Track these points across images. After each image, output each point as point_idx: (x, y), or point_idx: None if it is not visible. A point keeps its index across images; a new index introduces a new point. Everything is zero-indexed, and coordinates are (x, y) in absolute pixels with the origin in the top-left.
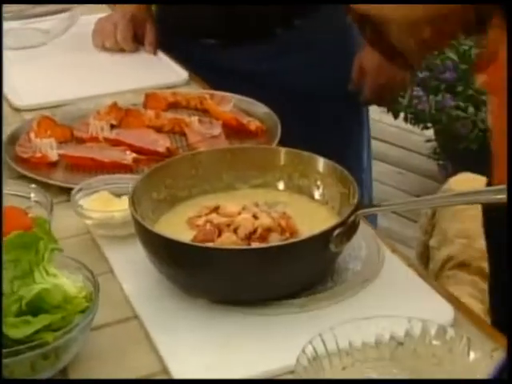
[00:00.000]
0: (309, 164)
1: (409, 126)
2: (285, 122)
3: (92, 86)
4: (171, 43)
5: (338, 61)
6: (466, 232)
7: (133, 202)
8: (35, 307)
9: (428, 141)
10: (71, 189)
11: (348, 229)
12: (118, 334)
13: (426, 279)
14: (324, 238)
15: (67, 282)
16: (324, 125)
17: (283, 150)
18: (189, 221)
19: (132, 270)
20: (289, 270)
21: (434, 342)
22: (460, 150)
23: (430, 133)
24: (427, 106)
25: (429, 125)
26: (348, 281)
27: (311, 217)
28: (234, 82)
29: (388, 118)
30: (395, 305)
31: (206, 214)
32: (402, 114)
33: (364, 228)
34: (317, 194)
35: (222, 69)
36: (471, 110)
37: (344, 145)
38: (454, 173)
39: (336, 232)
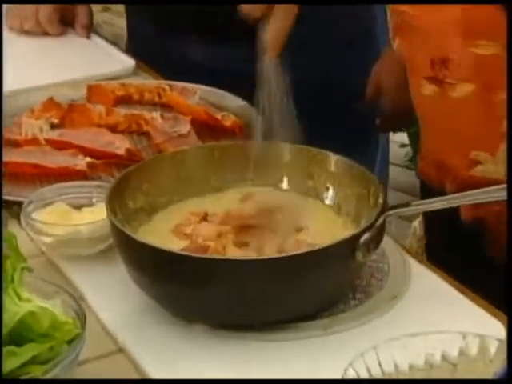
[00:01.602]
0: (317, 161)
1: None
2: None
3: (16, 78)
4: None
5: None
6: None
7: (111, 210)
8: (19, 335)
9: (402, 146)
10: (10, 202)
11: (376, 234)
12: (102, 371)
13: (463, 291)
14: (350, 245)
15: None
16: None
17: (285, 146)
18: (176, 229)
19: (107, 296)
20: (308, 284)
21: (496, 361)
22: None
23: (404, 136)
24: None
25: None
26: (374, 297)
27: (322, 225)
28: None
29: None
30: (433, 322)
31: (197, 222)
32: None
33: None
34: (327, 198)
35: (205, 69)
36: None
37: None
38: None
39: (363, 238)
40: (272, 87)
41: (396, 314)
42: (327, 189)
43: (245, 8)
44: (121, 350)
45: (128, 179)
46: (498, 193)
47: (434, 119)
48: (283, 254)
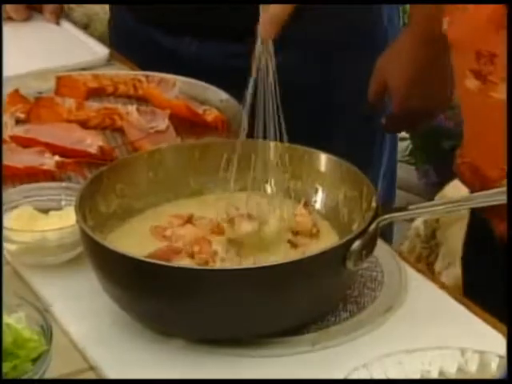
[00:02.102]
0: (305, 161)
1: None
2: None
3: None
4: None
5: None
6: None
7: (81, 215)
8: None
9: (401, 139)
10: None
11: (369, 240)
12: None
13: (464, 302)
14: (339, 253)
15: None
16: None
17: (271, 144)
18: (155, 230)
19: (77, 308)
20: (294, 296)
21: (497, 379)
22: (444, 151)
23: None
24: None
25: None
26: (366, 309)
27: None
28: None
29: None
30: (430, 337)
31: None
32: None
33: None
34: (316, 201)
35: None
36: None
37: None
38: (439, 182)
39: (355, 245)
40: (263, 77)
41: (391, 327)
42: (316, 190)
43: None
44: (91, 368)
45: (100, 180)
46: (499, 196)
47: (474, 117)
48: (267, 264)
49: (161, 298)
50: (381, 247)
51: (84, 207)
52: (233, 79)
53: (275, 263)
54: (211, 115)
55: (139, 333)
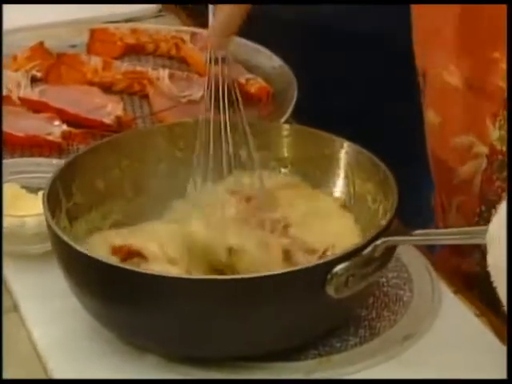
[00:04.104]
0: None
1: None
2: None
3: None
4: None
5: None
6: None
7: (49, 202)
8: None
9: None
10: None
11: (362, 265)
12: None
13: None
14: (316, 275)
15: None
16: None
17: (286, 128)
18: None
19: (47, 309)
20: (263, 316)
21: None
22: None
23: None
24: None
25: None
26: (381, 336)
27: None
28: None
29: None
30: (457, 375)
31: None
32: None
33: (411, 254)
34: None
35: None
36: None
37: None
38: None
39: (338, 268)
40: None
41: (406, 359)
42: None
43: None
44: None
45: (92, 158)
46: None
47: None
48: (232, 276)
49: (130, 306)
50: (417, 259)
51: (60, 191)
52: None
53: (237, 277)
54: (255, 86)
55: (112, 344)
